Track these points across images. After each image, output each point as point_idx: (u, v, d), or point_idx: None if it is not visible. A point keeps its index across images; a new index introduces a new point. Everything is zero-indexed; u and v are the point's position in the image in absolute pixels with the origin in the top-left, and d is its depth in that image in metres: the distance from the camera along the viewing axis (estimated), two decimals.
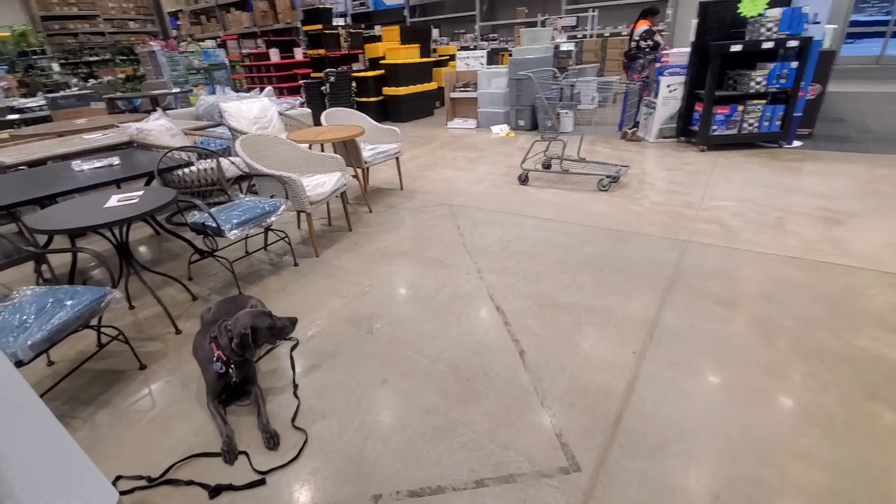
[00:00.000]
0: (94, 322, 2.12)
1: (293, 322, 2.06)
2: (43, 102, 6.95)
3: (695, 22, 5.27)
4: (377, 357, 2.27)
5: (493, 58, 9.14)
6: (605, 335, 2.31)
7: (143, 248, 3.75)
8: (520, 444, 1.74)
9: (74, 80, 10.97)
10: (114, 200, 2.36)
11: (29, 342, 1.69)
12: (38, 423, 0.82)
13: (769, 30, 4.84)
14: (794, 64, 4.85)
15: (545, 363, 2.15)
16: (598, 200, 4.09)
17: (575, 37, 9.52)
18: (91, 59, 12.47)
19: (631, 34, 6.07)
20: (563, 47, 8.10)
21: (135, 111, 7.37)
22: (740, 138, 5.25)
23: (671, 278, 2.77)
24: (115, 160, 3.08)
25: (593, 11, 9.52)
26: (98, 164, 3.00)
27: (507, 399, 1.95)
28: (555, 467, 1.64)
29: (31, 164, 3.37)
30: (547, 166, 4.95)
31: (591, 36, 9.59)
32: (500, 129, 7.19)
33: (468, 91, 7.82)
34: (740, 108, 5.09)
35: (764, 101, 5.03)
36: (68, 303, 1.91)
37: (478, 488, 1.58)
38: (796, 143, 5.32)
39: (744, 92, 5.06)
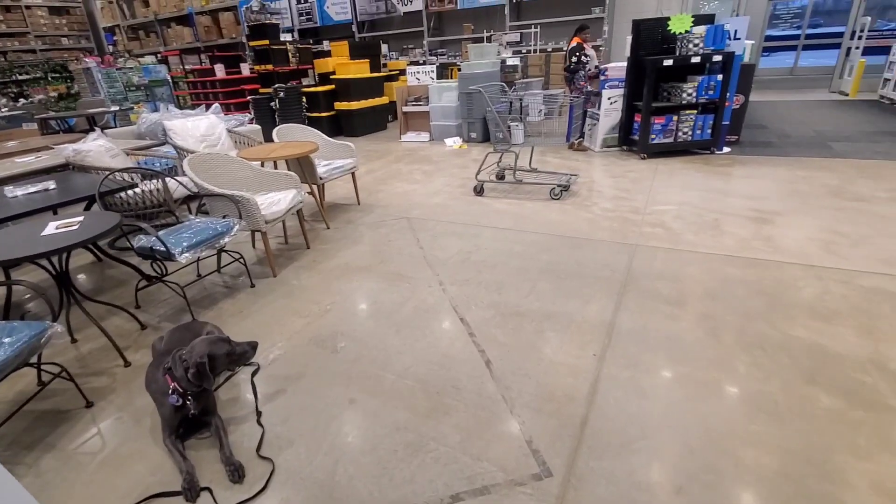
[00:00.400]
0: (33, 359, 1.97)
1: (253, 346, 1.98)
2: None
3: (629, 38, 5.60)
4: (343, 377, 2.23)
5: (443, 72, 9.31)
6: (567, 340, 2.39)
7: (83, 277, 3.52)
8: (492, 454, 1.76)
9: (3, 101, 10.17)
10: (51, 228, 2.22)
11: None
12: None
13: (696, 45, 5.22)
14: (720, 76, 5.24)
15: (511, 371, 2.19)
16: (552, 209, 4.23)
17: (520, 52, 9.85)
18: (21, 77, 11.62)
19: (567, 50, 6.50)
20: (510, 62, 8.37)
21: (70, 131, 6.91)
22: (676, 146, 5.60)
23: (624, 281, 2.91)
24: (51, 184, 2.89)
25: (535, 28, 9.90)
26: (32, 189, 2.81)
27: (476, 410, 1.98)
28: (527, 474, 1.68)
29: None
30: (501, 177, 5.07)
31: (535, 51, 9.96)
32: (454, 142, 7.31)
33: (420, 105, 7.91)
34: (675, 117, 5.44)
35: (695, 111, 5.41)
36: (6, 340, 1.77)
37: (454, 503, 1.59)
38: (726, 150, 5.74)
39: (677, 103, 5.41)
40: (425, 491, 1.63)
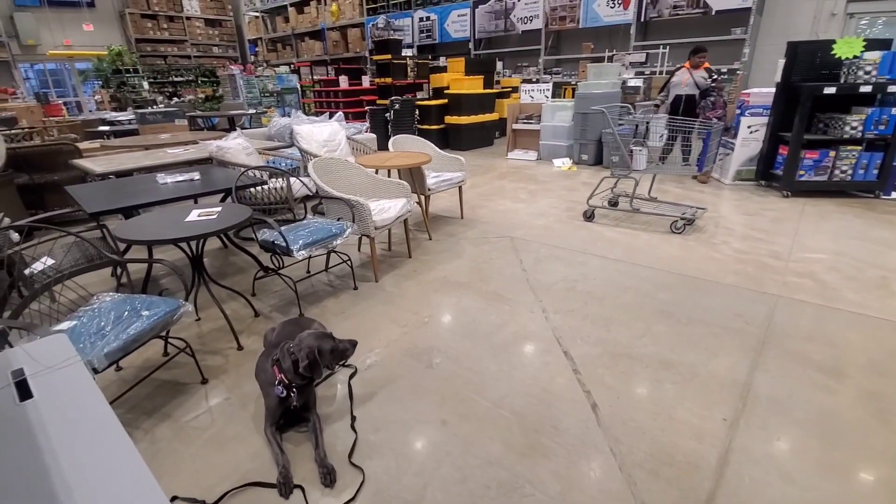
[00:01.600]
0: (163, 332, 2.14)
1: (354, 345, 2.01)
2: (132, 117, 7.55)
3: (782, 62, 5.00)
4: (436, 394, 2.15)
5: (556, 91, 9.10)
6: (689, 396, 2.09)
7: (210, 260, 3.86)
8: None
9: (160, 98, 11.93)
10: (194, 215, 2.43)
11: (105, 351, 1.70)
12: (110, 440, 0.78)
13: (867, 73, 4.50)
14: (895, 110, 4.46)
15: (621, 421, 1.95)
16: (671, 243, 3.85)
17: (643, 73, 9.33)
18: (176, 79, 13.57)
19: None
20: (631, 83, 7.94)
21: (213, 129, 7.85)
22: (830, 185, 4.85)
23: (762, 337, 2.51)
24: (196, 175, 3.21)
25: (664, 48, 9.32)
26: (180, 178, 3.14)
27: (579, 458, 1.78)
28: None
29: (119, 174, 3.58)
30: (614, 203, 4.75)
31: (661, 73, 9.37)
32: (562, 163, 7.07)
33: (530, 123, 7.79)
34: (832, 153, 4.72)
35: (859, 148, 4.65)
36: (144, 313, 1.94)
37: None
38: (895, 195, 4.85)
39: (836, 137, 4.70)
40: None
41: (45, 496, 0.70)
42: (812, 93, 4.60)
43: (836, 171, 4.78)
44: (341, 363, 2.15)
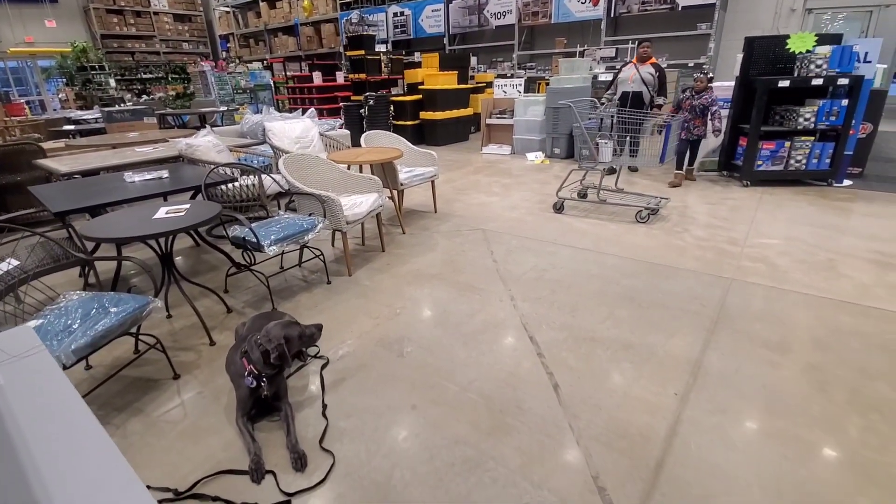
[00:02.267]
0: (133, 329, 2.16)
1: (319, 328, 2.09)
2: (98, 115, 7.38)
3: (740, 56, 5.19)
4: (407, 381, 2.22)
5: (530, 86, 9.24)
6: (646, 374, 2.21)
7: (182, 259, 3.85)
8: (554, 484, 1.66)
9: (129, 96, 11.64)
10: (162, 212, 2.44)
11: (73, 347, 1.72)
12: (84, 431, 0.81)
13: (819, 66, 4.72)
14: (845, 102, 4.69)
15: (581, 400, 2.06)
16: (637, 232, 3.99)
17: (613, 67, 9.53)
18: (145, 76, 13.24)
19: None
20: (601, 77, 8.11)
21: (184, 127, 7.73)
22: (786, 174, 5.08)
23: (715, 317, 2.65)
24: (165, 173, 3.20)
25: (633, 43, 9.53)
26: (149, 176, 3.13)
27: (540, 435, 1.87)
28: None
29: (85, 173, 3.54)
30: (583, 195, 4.89)
31: None
32: (535, 157, 7.19)
33: (504, 118, 7.89)
34: (787, 143, 4.95)
35: (812, 138, 4.88)
36: (113, 310, 1.96)
37: None
38: (847, 183, 5.11)
39: (791, 128, 4.92)
40: None
41: (16, 482, 0.74)
42: (768, 86, 4.81)
43: (792, 161, 5.01)
44: (308, 348, 2.20)
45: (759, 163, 5.07)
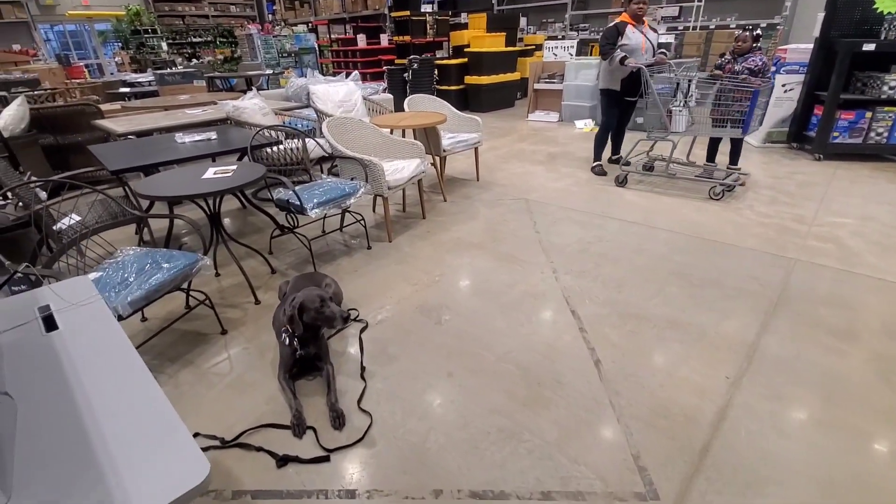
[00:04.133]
0: (184, 285, 2.24)
1: (344, 318, 1.92)
2: (152, 78, 7.61)
3: (821, 16, 4.68)
4: (444, 349, 2.22)
5: (582, 48, 8.75)
6: (695, 355, 2.10)
7: (229, 220, 3.97)
8: (591, 460, 1.62)
9: (179, 59, 11.92)
10: (210, 172, 2.49)
11: (129, 299, 1.81)
12: (139, 384, 0.83)
13: None
14: None
15: (623, 377, 1.99)
16: (692, 206, 3.77)
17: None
18: (195, 40, 13.47)
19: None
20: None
21: (231, 90, 7.86)
22: (865, 149, 4.62)
23: (775, 299, 2.48)
24: (213, 135, 3.26)
25: (699, 1, 8.80)
26: (198, 137, 3.20)
27: (579, 410, 1.83)
28: (629, 491, 1.51)
29: (139, 134, 3.66)
30: (649, 168, 4.60)
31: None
32: (585, 124, 6.88)
33: (553, 83, 7.55)
34: (868, 114, 4.47)
35: None
36: (165, 265, 2.03)
37: (543, 500, 1.49)
38: None
39: (874, 97, 4.43)
40: (514, 480, 1.55)
41: (72, 420, 0.77)
42: (850, 49, 4.31)
43: (872, 134, 4.53)
44: (328, 327, 2.05)
45: (836, 134, 4.62)
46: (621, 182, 4.33)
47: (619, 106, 4.53)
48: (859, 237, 3.13)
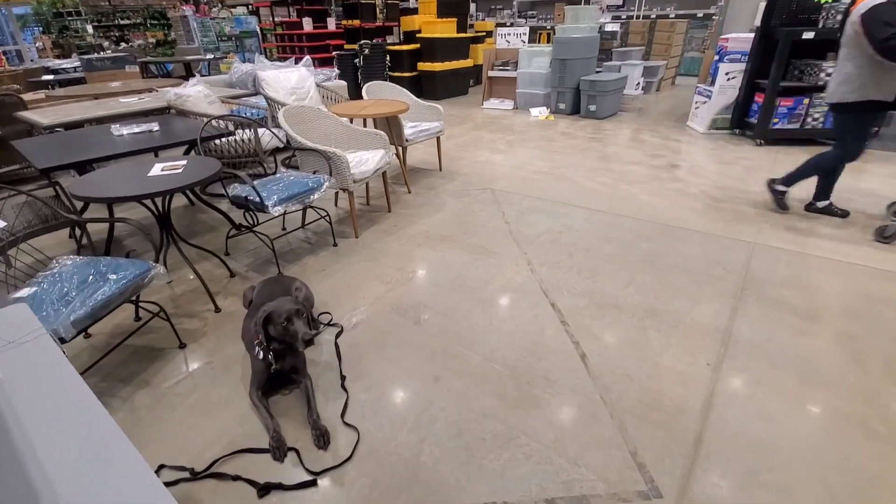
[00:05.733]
0: (133, 297, 2.01)
1: (307, 340, 1.70)
2: (77, 63, 6.85)
3: (762, 4, 4.89)
4: (426, 350, 2.13)
5: (532, 36, 8.77)
6: (674, 343, 2.13)
7: (176, 219, 3.64)
8: (590, 460, 1.59)
9: (107, 44, 10.85)
10: (157, 169, 2.23)
11: (72, 318, 1.58)
12: (81, 408, 0.69)
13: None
14: None
15: (610, 370, 1.98)
16: (651, 192, 3.85)
17: (619, 17, 9.07)
18: (123, 22, 12.32)
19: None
20: (608, 28, 7.72)
21: (167, 76, 7.25)
22: (802, 133, 4.91)
23: (740, 283, 2.56)
24: (155, 126, 2.95)
25: None
26: (137, 129, 2.88)
27: (571, 408, 1.80)
28: (632, 490, 1.49)
29: (68, 126, 3.26)
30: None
31: (638, 17, 9.13)
32: (539, 112, 6.91)
33: (507, 70, 7.51)
34: (806, 101, 4.75)
35: None
36: (112, 276, 1.80)
37: None
38: None
39: (811, 84, 4.70)
40: (517, 489, 1.50)
41: (21, 483, 0.62)
42: (790, 37, 4.55)
43: (809, 119, 4.83)
44: (295, 343, 1.81)
45: (775, 121, 4.88)
46: (888, 237, 2.95)
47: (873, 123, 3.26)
48: (808, 219, 3.31)
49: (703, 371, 1.97)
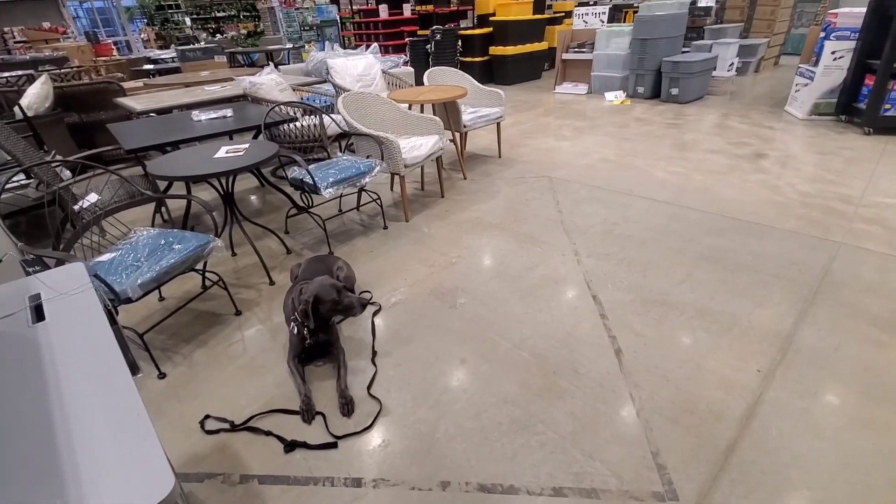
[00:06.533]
0: (199, 266, 2.24)
1: (363, 304, 1.91)
2: (174, 54, 7.61)
3: None
4: (458, 334, 2.16)
5: (615, 15, 8.30)
6: (724, 346, 1.97)
7: (248, 199, 3.97)
8: (607, 455, 1.54)
9: (204, 35, 11.90)
10: (222, 152, 2.45)
11: (139, 281, 1.80)
12: (116, 387, 0.79)
13: None
14: None
15: (646, 368, 1.89)
16: (728, 184, 3.54)
17: None
18: (219, 14, 13.39)
19: None
20: (701, 3, 7.09)
21: (252, 65, 7.81)
22: None
23: (815, 286, 2.30)
24: (229, 112, 3.21)
25: None
26: (214, 115, 3.16)
27: (596, 402, 1.75)
28: (646, 490, 1.43)
29: (159, 111, 3.65)
30: None
31: None
32: (615, 96, 6.56)
33: (583, 52, 7.20)
34: None
35: None
36: (176, 247, 2.02)
37: (554, 496, 1.43)
38: None
39: None
40: (526, 474, 1.50)
41: (42, 422, 0.74)
42: None
43: None
44: (348, 316, 2.06)
45: (888, 107, 4.24)
46: None
47: None
48: None
49: (751, 378, 1.81)
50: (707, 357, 1.92)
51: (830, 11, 4.86)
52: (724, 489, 1.42)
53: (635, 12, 6.76)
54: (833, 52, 4.67)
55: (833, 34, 4.65)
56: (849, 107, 4.72)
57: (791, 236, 2.77)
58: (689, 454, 1.53)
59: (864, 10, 4.42)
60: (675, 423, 1.64)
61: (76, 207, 2.42)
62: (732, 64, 7.17)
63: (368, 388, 1.86)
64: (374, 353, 2.04)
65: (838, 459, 1.47)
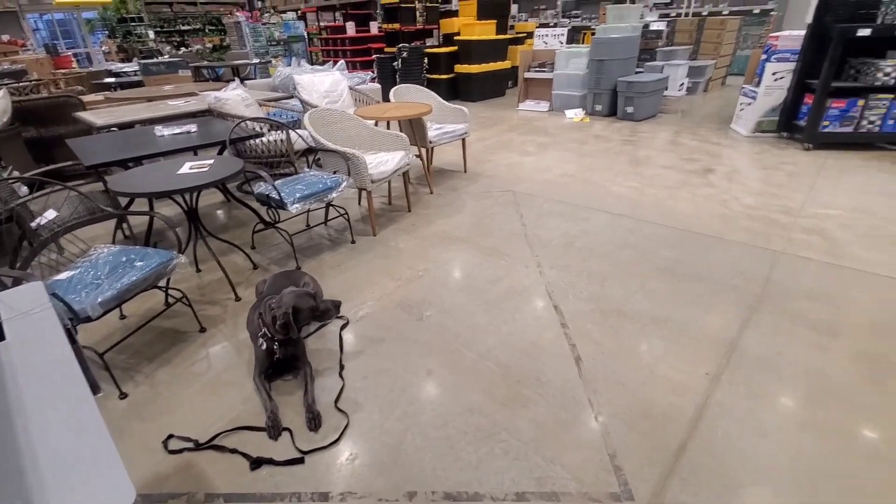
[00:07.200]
0: (162, 283, 2.21)
1: (336, 306, 2.00)
2: (137, 68, 7.45)
3: (815, 0, 4.61)
4: (425, 346, 2.20)
5: (574, 36, 8.65)
6: (676, 352, 2.09)
7: (214, 214, 3.91)
8: (568, 460, 1.61)
9: (167, 48, 11.68)
10: (186, 167, 2.43)
11: (99, 299, 1.77)
12: (70, 384, 0.80)
13: None
14: None
15: (603, 375, 1.98)
16: (679, 199, 3.74)
17: (668, 15, 8.77)
18: (183, 27, 13.19)
19: None
20: (653, 26, 7.49)
21: (218, 80, 7.72)
22: (857, 137, 4.59)
23: (759, 294, 2.46)
24: (193, 127, 3.19)
25: None
26: (177, 130, 3.13)
27: (557, 409, 1.82)
28: (604, 492, 1.50)
29: (121, 126, 3.58)
30: None
31: (687, 15, 8.79)
32: (575, 114, 6.82)
33: (544, 71, 7.46)
34: (860, 102, 4.43)
35: (892, 96, 4.34)
36: (138, 264, 1.99)
37: (517, 501, 1.48)
38: None
39: (867, 84, 4.39)
40: (490, 481, 1.54)
41: (5, 438, 0.74)
42: (844, 34, 4.26)
43: (864, 122, 4.50)
44: (323, 323, 2.16)
45: (826, 123, 4.59)
46: None
47: None
48: (847, 229, 3.11)
49: (700, 381, 1.92)
50: (660, 363, 2.03)
51: (772, 35, 5.24)
52: (674, 488, 1.50)
53: (593, 34, 7.08)
54: (774, 73, 5.03)
55: (774, 56, 5.02)
56: (790, 124, 5.08)
57: (737, 247, 2.95)
58: (644, 456, 1.61)
59: (803, 32, 4.79)
60: (631, 428, 1.73)
61: (34, 224, 2.35)
62: (683, 84, 7.58)
63: (336, 401, 1.88)
64: (342, 367, 2.06)
65: (783, 458, 1.58)
